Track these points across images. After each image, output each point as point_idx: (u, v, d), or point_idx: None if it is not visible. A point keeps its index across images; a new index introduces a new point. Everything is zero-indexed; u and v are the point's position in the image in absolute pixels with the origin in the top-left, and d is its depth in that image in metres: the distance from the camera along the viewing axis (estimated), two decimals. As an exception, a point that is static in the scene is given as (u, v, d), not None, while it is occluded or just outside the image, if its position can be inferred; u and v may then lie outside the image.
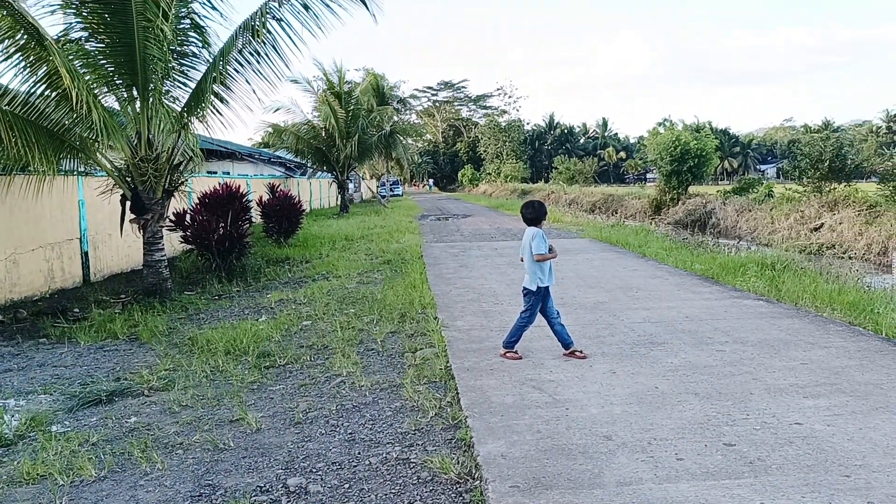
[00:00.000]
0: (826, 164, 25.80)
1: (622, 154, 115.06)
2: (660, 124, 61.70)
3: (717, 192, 34.64)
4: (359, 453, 4.75)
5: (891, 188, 22.63)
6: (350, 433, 5.13)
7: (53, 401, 6.21)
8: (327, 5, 10.43)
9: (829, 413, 5.07)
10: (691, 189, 36.51)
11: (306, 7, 10.45)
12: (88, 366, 7.41)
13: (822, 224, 23.12)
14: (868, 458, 4.30)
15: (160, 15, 9.33)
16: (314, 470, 4.51)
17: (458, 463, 4.47)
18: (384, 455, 4.70)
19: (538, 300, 6.78)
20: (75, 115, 9.36)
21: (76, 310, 10.37)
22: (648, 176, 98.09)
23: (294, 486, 4.28)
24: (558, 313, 6.89)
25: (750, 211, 28.16)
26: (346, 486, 4.27)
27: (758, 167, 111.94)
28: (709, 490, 3.93)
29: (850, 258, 18.88)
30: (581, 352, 6.80)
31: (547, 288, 6.81)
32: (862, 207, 22.32)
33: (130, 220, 11.20)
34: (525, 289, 6.81)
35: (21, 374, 7.19)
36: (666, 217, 33.47)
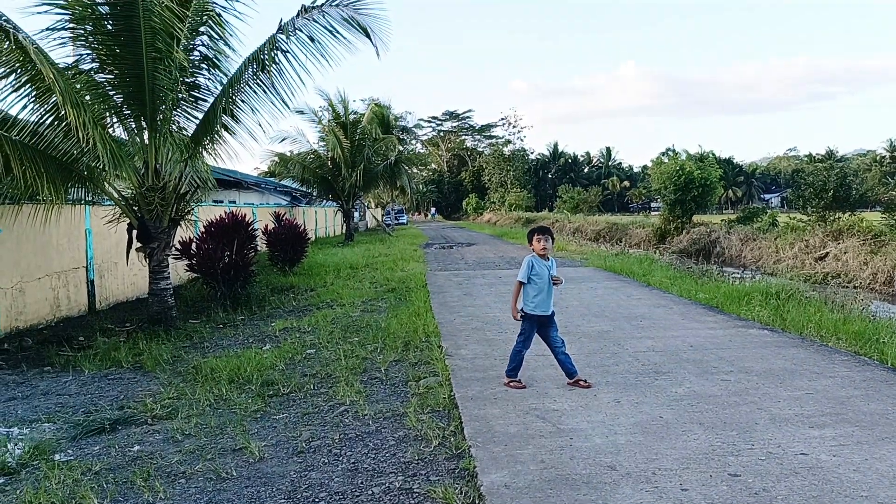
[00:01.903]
0: (830, 194, 25.84)
1: (626, 183, 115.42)
2: (663, 154, 61.92)
3: (722, 221, 34.65)
4: (362, 483, 4.73)
5: (895, 217, 22.63)
6: (353, 462, 5.12)
7: (57, 429, 6.21)
8: (334, 35, 10.59)
9: (835, 443, 5.04)
10: (695, 218, 36.53)
11: (312, 39, 10.61)
12: (92, 394, 7.41)
13: (827, 253, 23.08)
14: (874, 489, 4.26)
15: (173, 44, 9.47)
16: (317, 500, 4.49)
17: (462, 493, 4.45)
18: (387, 485, 4.68)
19: (530, 326, 6.81)
20: (83, 146, 9.46)
21: (81, 338, 10.39)
22: (652, 205, 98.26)
23: (297, 515, 4.26)
24: (563, 342, 6.89)
25: (754, 240, 28.15)
26: (349, 516, 4.24)
27: (762, 196, 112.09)
28: (714, 521, 3.90)
29: (855, 287, 18.83)
30: (585, 381, 6.78)
31: (546, 316, 6.81)
32: (867, 237, 22.29)
33: (136, 249, 11.27)
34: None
35: (25, 402, 7.19)
36: (670, 246, 33.44)
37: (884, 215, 23.88)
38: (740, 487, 4.33)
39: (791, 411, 5.82)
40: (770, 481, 4.41)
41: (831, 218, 25.23)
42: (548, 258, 6.89)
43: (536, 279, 6.77)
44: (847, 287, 18.81)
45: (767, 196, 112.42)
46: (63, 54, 10.03)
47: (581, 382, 6.74)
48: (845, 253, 22.19)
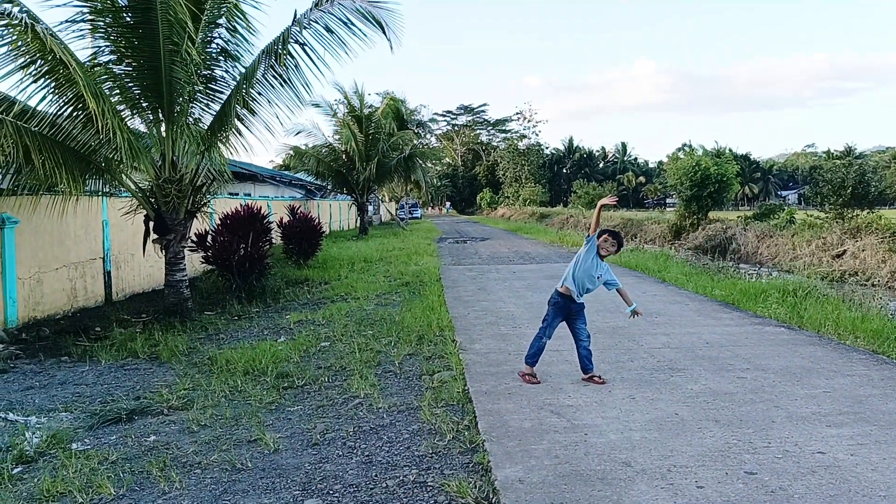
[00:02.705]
0: (848, 191, 25.57)
1: (641, 179, 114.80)
2: (679, 149, 61.58)
3: (738, 217, 34.38)
4: (376, 475, 4.74)
5: (915, 215, 22.38)
6: (367, 455, 5.12)
7: (74, 419, 6.26)
8: (349, 27, 10.59)
9: (853, 442, 5.00)
10: (711, 214, 36.25)
11: (328, 31, 10.62)
12: (109, 384, 7.47)
13: (845, 251, 22.84)
14: (892, 489, 4.22)
15: (186, 39, 9.50)
16: (331, 492, 4.50)
17: (476, 487, 4.44)
18: (401, 478, 4.68)
19: (555, 312, 6.76)
20: (101, 137, 9.52)
21: (98, 328, 10.47)
22: (668, 201, 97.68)
23: (311, 507, 4.27)
24: (589, 337, 6.80)
25: (771, 237, 27.90)
26: (363, 508, 4.25)
27: (779, 193, 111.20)
28: (730, 519, 3.87)
29: (873, 286, 18.63)
30: (600, 377, 6.75)
31: (575, 302, 6.75)
32: (885, 234, 22.03)
33: (153, 241, 11.34)
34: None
35: (43, 391, 7.27)
36: (686, 242, 33.23)
37: (903, 213, 23.62)
38: (756, 485, 4.30)
39: (808, 409, 5.77)
40: (787, 480, 4.37)
41: (849, 215, 24.96)
42: (603, 259, 6.74)
43: (591, 260, 6.64)
44: (865, 285, 18.61)
45: (785, 193, 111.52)
46: (81, 46, 10.11)
47: (596, 378, 6.72)
48: (863, 251, 21.94)
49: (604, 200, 6.67)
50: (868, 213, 24.99)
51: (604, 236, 6.69)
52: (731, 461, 4.69)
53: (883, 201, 28.13)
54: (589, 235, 6.67)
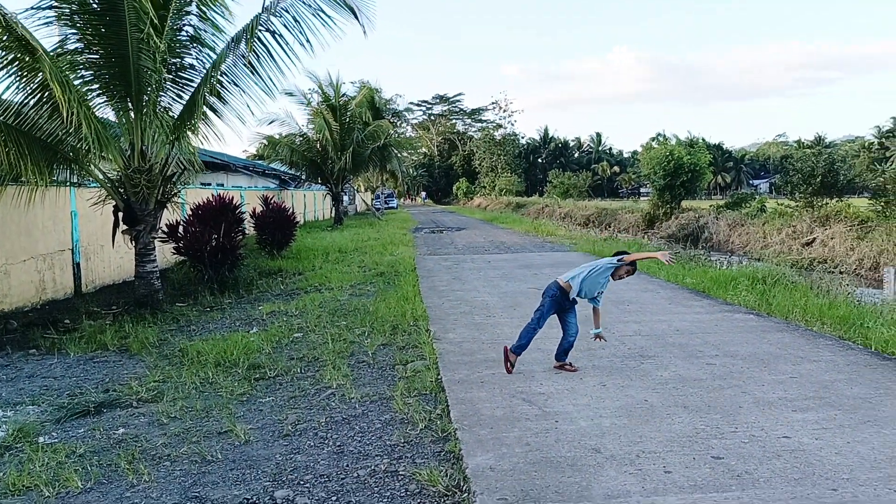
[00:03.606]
0: (818, 180, 25.95)
1: (616, 168, 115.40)
2: (653, 139, 61.91)
3: (710, 206, 34.78)
4: (347, 466, 4.74)
5: (882, 203, 22.76)
6: (339, 445, 5.12)
7: (41, 412, 6.18)
8: (320, 15, 10.49)
9: (818, 427, 5.09)
10: (684, 203, 36.64)
11: (297, 20, 10.51)
12: (77, 377, 7.38)
13: (814, 239, 23.22)
14: (856, 471, 4.31)
15: (151, 26, 9.33)
16: (302, 482, 4.49)
17: (447, 475, 4.46)
18: (372, 467, 4.69)
19: (550, 304, 6.71)
20: (68, 127, 9.36)
21: (67, 321, 10.33)
22: (642, 190, 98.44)
23: (281, 498, 4.26)
24: (577, 333, 6.76)
25: (742, 225, 28.27)
26: (334, 498, 4.25)
27: (750, 182, 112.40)
28: (696, 503, 3.93)
29: (841, 273, 18.94)
30: (571, 365, 6.80)
31: (570, 301, 6.75)
32: (854, 223, 22.42)
33: (122, 231, 11.19)
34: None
35: (10, 384, 7.15)
36: (659, 231, 33.56)
37: (871, 201, 24.01)
38: (723, 470, 4.36)
39: (775, 395, 5.86)
40: (753, 464, 4.44)
41: (819, 204, 25.36)
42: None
43: (605, 275, 6.62)
44: (833, 272, 18.92)
45: (756, 182, 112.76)
46: (47, 34, 9.93)
47: (567, 367, 6.76)
48: (832, 238, 22.33)
49: (659, 256, 6.61)
50: (837, 201, 25.40)
51: (629, 268, 6.66)
52: (698, 446, 4.76)
53: (852, 190, 28.51)
54: (621, 258, 6.62)
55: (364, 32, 10.51)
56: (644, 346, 7.76)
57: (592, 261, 6.81)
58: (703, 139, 45.32)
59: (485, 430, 5.18)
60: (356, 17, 10.48)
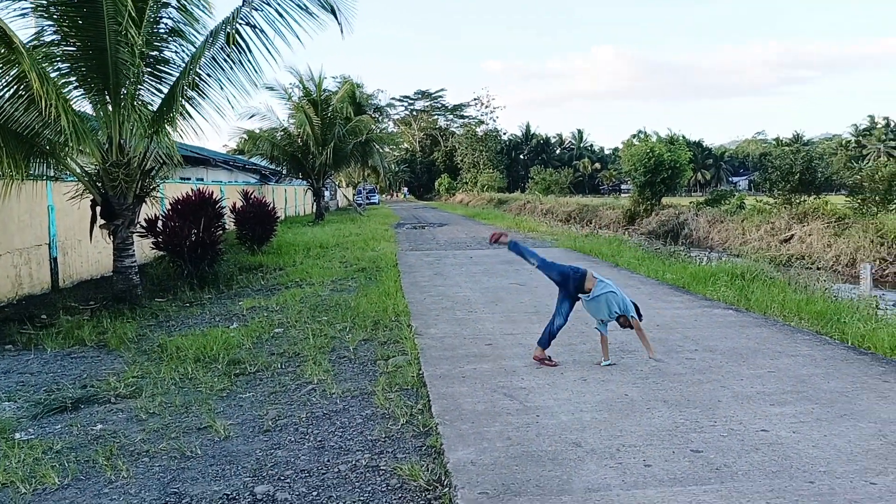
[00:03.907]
0: (796, 177, 26.21)
1: (597, 165, 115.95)
2: (634, 136, 62.30)
3: (690, 203, 35.01)
4: (328, 461, 4.72)
5: (859, 201, 23.05)
6: (320, 441, 5.10)
7: (17, 408, 6.10)
8: (302, 10, 10.40)
9: (795, 420, 5.14)
10: (665, 200, 36.87)
11: (281, 13, 10.42)
12: (55, 373, 7.29)
13: (792, 235, 23.47)
14: (832, 464, 4.36)
15: (129, 19, 9.21)
16: (282, 477, 4.47)
17: (428, 470, 4.46)
18: (353, 462, 4.67)
19: (564, 293, 6.77)
20: (45, 119, 9.23)
21: (44, 316, 10.19)
22: (623, 187, 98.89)
23: (262, 493, 4.24)
24: (564, 324, 6.84)
25: (722, 222, 28.50)
26: (315, 493, 4.24)
27: (730, 179, 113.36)
28: (675, 496, 3.96)
29: (818, 269, 19.17)
30: (551, 359, 6.82)
31: (581, 297, 6.79)
32: (831, 219, 22.69)
33: (100, 226, 11.06)
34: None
35: (-15, 381, 7.05)
36: (639, 227, 33.74)
37: (848, 198, 24.31)
38: (702, 463, 4.40)
39: (753, 389, 5.92)
40: (731, 457, 4.48)
41: (797, 201, 25.61)
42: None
43: (612, 306, 6.66)
44: (811, 268, 19.13)
45: (736, 179, 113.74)
46: (23, 25, 9.78)
47: (547, 361, 6.78)
48: (810, 235, 22.58)
49: (649, 352, 6.74)
50: (815, 198, 25.67)
51: (626, 322, 6.75)
52: (678, 440, 4.79)
53: (829, 187, 28.83)
54: (634, 317, 6.70)
55: (342, 31, 10.45)
56: (624, 340, 7.79)
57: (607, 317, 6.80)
58: (684, 136, 45.66)
59: (466, 424, 5.18)
60: (335, 16, 10.39)
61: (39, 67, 8.76)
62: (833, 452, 4.54)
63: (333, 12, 10.37)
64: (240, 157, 39.62)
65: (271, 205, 19.86)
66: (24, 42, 9.24)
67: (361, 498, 4.15)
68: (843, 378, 6.20)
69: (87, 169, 10.86)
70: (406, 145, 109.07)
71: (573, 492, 4.04)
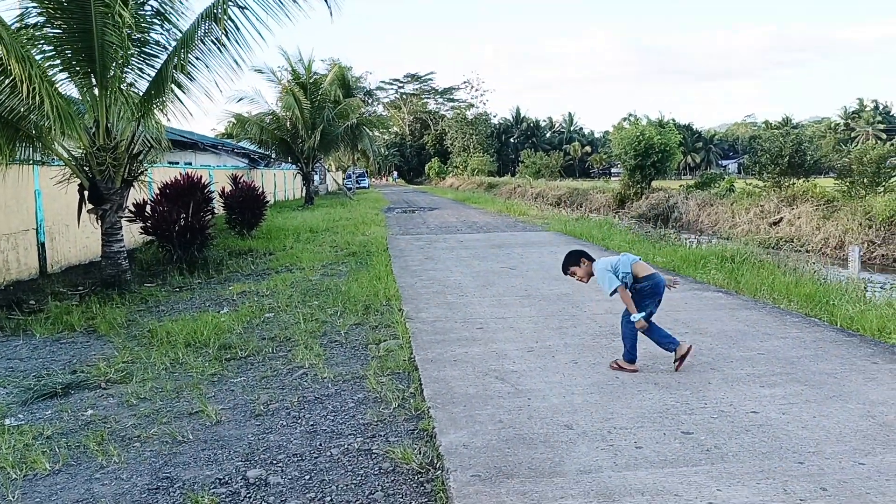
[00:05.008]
0: (786, 160, 26.28)
1: (587, 148, 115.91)
2: (624, 119, 62.32)
3: (680, 186, 35.10)
4: (320, 445, 4.72)
5: (848, 184, 23.15)
6: (312, 425, 5.10)
7: (7, 394, 6.06)
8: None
9: (785, 402, 5.18)
10: (655, 183, 36.97)
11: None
12: (44, 358, 7.25)
13: (782, 218, 23.59)
14: (821, 445, 4.39)
15: (119, 1, 9.11)
16: (274, 462, 4.47)
17: (420, 453, 4.47)
18: (346, 446, 4.68)
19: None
20: (30, 103, 9.11)
21: (32, 302, 10.13)
22: (613, 170, 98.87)
23: (254, 477, 4.24)
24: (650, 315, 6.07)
25: (711, 205, 28.61)
26: (307, 477, 4.24)
27: (720, 162, 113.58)
28: (666, 477, 3.98)
29: (807, 252, 19.29)
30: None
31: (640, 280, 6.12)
32: (820, 202, 22.81)
33: (88, 211, 10.98)
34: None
35: (-27, 367, 7.01)
36: (630, 211, 33.85)
37: (837, 181, 24.41)
38: (693, 444, 4.43)
39: (743, 371, 5.95)
40: (722, 438, 4.51)
41: (786, 184, 25.72)
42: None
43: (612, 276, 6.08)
44: (800, 251, 19.26)
45: (725, 162, 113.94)
46: (5, 7, 9.63)
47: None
48: (799, 218, 22.70)
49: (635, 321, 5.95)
50: (804, 181, 25.78)
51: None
52: (668, 422, 4.82)
53: (818, 170, 28.90)
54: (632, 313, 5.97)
55: (330, 14, 10.37)
56: (615, 323, 7.77)
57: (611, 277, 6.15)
58: (674, 120, 45.81)
59: (458, 408, 5.19)
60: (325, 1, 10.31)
61: (23, 50, 8.64)
62: (822, 433, 4.57)
63: (322, -5, 10.28)
64: (228, 140, 39.43)
65: (260, 189, 19.76)
66: (8, 24, 9.12)
67: (354, 481, 4.16)
68: (831, 360, 6.24)
69: (74, 153, 10.76)
70: (396, 129, 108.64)
71: (565, 474, 4.06)
